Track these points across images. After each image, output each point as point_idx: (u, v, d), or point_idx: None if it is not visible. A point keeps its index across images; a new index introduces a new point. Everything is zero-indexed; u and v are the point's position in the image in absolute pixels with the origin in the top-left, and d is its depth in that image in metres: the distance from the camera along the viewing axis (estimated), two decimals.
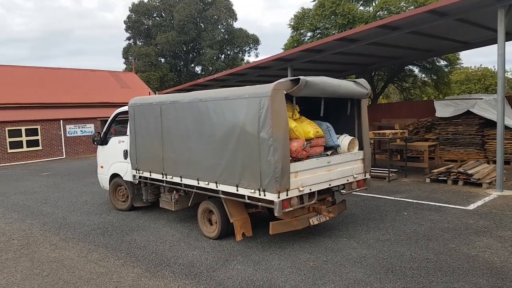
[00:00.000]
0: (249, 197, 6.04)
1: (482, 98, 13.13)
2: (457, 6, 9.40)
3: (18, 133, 22.02)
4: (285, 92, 5.67)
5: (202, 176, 6.73)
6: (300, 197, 5.98)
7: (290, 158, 5.74)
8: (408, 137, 13.00)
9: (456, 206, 8.43)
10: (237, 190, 6.12)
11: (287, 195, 5.69)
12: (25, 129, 22.32)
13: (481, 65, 38.38)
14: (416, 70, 25.22)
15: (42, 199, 11.16)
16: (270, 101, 5.51)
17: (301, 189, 5.88)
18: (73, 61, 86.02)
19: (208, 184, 6.63)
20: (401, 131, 12.88)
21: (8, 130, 21.65)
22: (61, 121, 23.71)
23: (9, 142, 21.69)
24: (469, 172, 10.38)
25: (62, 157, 23.62)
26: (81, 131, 24.62)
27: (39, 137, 22.82)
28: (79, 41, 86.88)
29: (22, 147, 22.22)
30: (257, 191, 5.80)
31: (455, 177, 10.62)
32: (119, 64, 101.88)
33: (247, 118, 5.84)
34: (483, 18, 10.55)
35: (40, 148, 22.88)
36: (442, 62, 23.19)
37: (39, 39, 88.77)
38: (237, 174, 6.08)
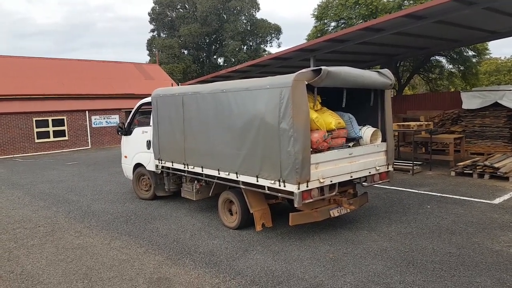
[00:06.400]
0: (269, 188, 6.04)
1: (510, 90, 12.72)
2: None
3: (45, 123, 22.55)
4: (306, 83, 5.62)
5: (223, 167, 6.77)
6: (321, 189, 5.94)
7: (311, 149, 5.71)
8: (434, 129, 12.72)
9: (481, 200, 8.23)
10: (257, 181, 6.13)
11: (307, 186, 5.66)
12: (52, 120, 22.83)
13: (511, 55, 37.06)
14: (443, 60, 24.58)
15: (67, 188, 11.45)
16: (291, 92, 5.47)
17: (321, 180, 5.84)
18: (96, 53, 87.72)
19: (228, 174, 6.67)
20: (426, 123, 12.60)
21: (36, 120, 22.19)
22: (87, 112, 24.15)
23: (36, 132, 22.21)
24: (496, 165, 10.11)
25: (87, 147, 24.12)
26: (106, 122, 25.03)
27: (65, 128, 23.32)
28: (102, 34, 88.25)
29: (49, 137, 22.75)
30: (277, 182, 5.80)
31: (481, 170, 10.35)
32: (142, 56, 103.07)
33: (268, 109, 5.82)
34: None
35: (66, 138, 23.39)
36: (470, 53, 22.53)
37: (62, 32, 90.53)
38: (257, 165, 6.08)
